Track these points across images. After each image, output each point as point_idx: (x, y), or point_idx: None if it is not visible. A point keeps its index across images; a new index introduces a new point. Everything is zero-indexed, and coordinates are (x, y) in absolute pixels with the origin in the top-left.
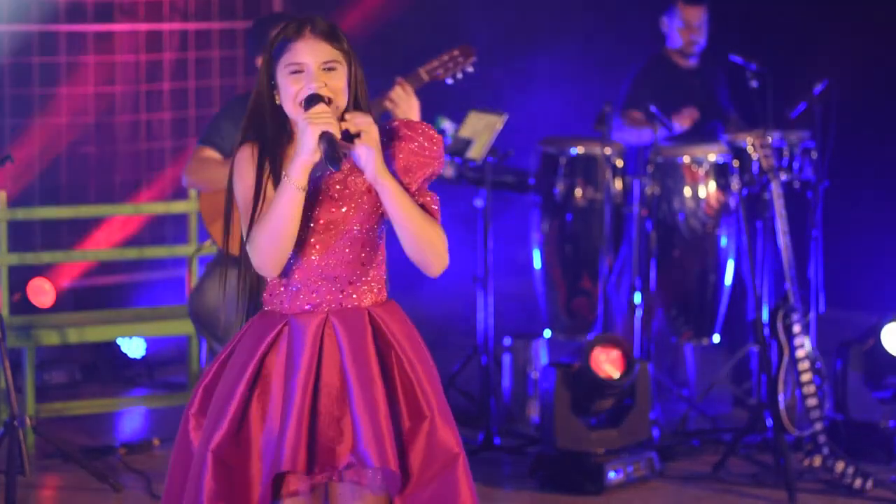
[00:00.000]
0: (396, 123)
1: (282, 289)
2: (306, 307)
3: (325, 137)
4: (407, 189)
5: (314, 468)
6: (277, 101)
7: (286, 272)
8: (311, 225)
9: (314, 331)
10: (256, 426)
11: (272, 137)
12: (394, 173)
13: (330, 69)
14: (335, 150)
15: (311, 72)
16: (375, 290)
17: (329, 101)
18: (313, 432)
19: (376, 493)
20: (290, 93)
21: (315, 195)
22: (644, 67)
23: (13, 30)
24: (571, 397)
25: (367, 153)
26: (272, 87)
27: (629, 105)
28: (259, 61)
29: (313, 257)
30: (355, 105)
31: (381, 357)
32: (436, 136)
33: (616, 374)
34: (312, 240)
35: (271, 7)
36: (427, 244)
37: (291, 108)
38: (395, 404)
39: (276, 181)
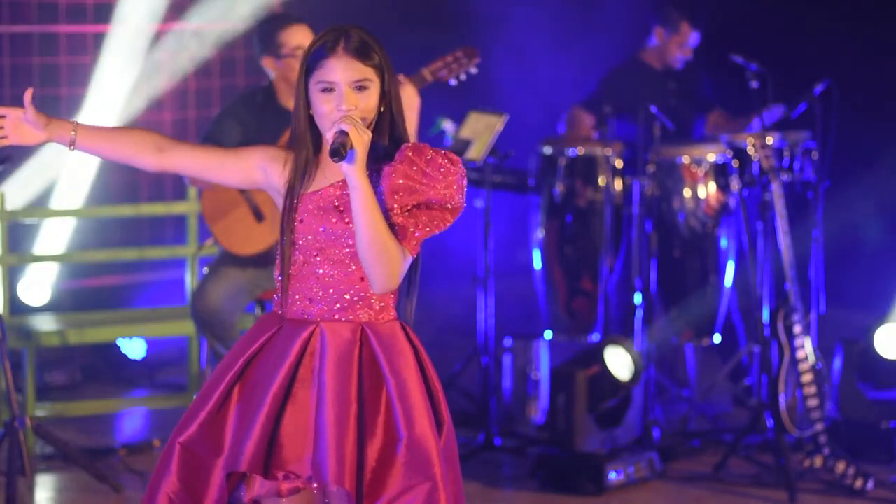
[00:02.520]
0: (408, 146)
1: (282, 293)
2: (301, 314)
3: (342, 134)
4: (389, 209)
5: (274, 472)
6: (311, 112)
7: (289, 277)
8: (315, 236)
9: (302, 340)
10: (230, 425)
11: (307, 148)
12: (381, 190)
13: (361, 88)
14: (343, 144)
15: (341, 92)
16: (376, 308)
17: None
18: (280, 439)
19: None
20: (320, 111)
21: (319, 206)
22: (619, 67)
23: (13, 30)
24: (587, 400)
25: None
26: (306, 97)
27: (589, 102)
28: (264, 61)
29: (315, 268)
30: (390, 116)
31: (366, 374)
32: (447, 166)
33: (627, 377)
34: (315, 251)
35: (272, 8)
36: (378, 254)
37: (321, 125)
38: (373, 424)
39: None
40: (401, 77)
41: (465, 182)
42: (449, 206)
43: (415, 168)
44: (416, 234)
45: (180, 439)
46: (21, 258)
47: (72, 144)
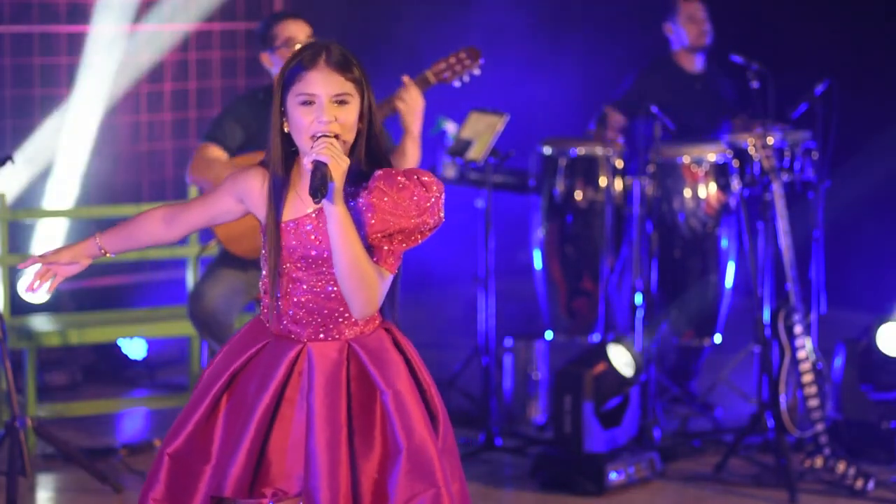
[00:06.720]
0: (379, 174)
1: (267, 309)
2: (288, 332)
3: (320, 168)
4: (366, 235)
5: (261, 490)
6: (286, 129)
7: (273, 296)
8: (294, 264)
9: (289, 360)
10: (218, 435)
11: (278, 166)
12: (358, 210)
13: (342, 102)
14: (323, 182)
15: (321, 104)
16: (361, 324)
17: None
18: (267, 457)
19: None
20: (300, 125)
21: (298, 231)
22: (648, 67)
23: (13, 30)
24: (595, 400)
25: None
26: (282, 113)
27: (623, 102)
28: (262, 57)
29: (297, 295)
30: (369, 131)
31: (355, 390)
32: (420, 194)
33: (630, 374)
34: (295, 275)
35: (272, 7)
36: (357, 280)
37: (300, 140)
38: (370, 437)
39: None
40: (405, 79)
41: (442, 200)
42: (422, 230)
43: (386, 199)
44: (393, 253)
45: (168, 450)
46: (21, 258)
47: (105, 254)
